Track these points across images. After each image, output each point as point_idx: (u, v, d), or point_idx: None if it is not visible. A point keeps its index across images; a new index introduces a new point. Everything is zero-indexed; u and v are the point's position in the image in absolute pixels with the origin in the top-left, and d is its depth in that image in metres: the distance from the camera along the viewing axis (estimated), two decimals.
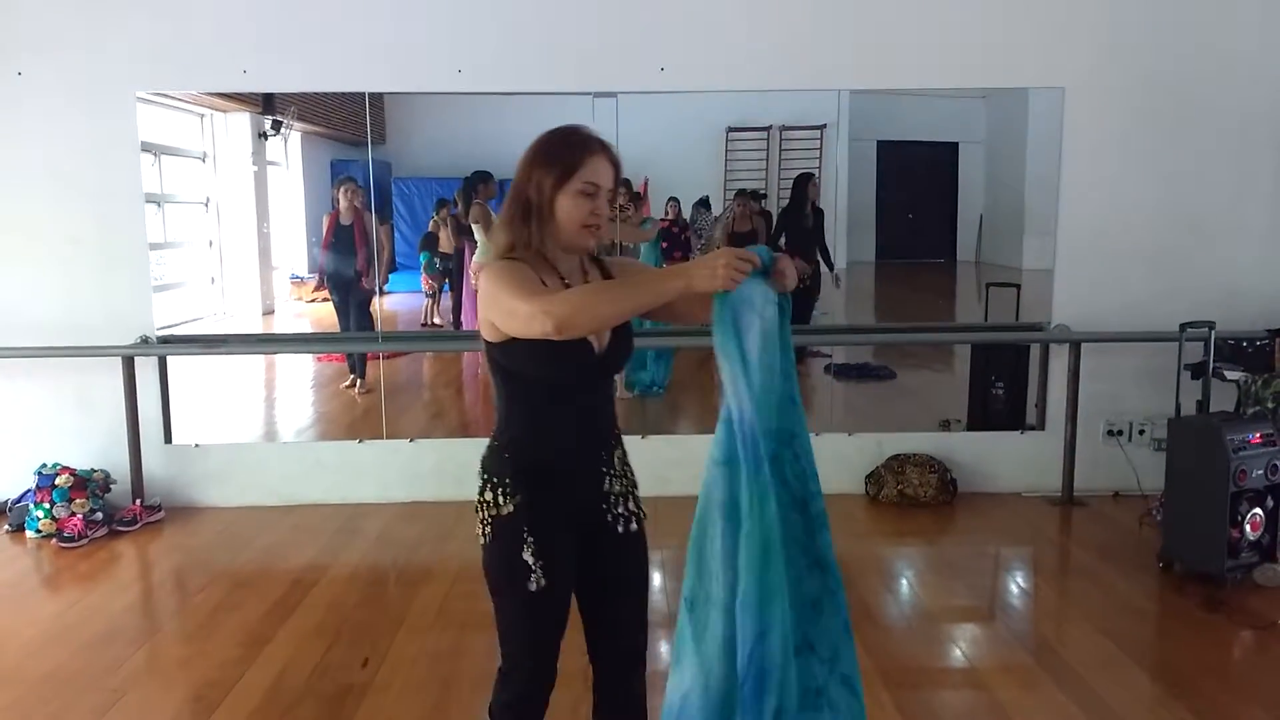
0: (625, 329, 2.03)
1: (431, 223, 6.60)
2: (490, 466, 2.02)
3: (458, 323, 6.51)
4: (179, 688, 3.23)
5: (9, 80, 4.77)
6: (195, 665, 3.35)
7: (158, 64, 4.83)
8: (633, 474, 2.14)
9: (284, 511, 4.97)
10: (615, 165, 1.98)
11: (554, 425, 2.01)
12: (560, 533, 2.00)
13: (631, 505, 2.10)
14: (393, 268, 6.26)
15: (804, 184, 6.11)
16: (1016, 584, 4.30)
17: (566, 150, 1.95)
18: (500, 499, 1.98)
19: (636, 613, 2.15)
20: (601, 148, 1.97)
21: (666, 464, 4.97)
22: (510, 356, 1.95)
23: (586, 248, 2.01)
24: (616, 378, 2.38)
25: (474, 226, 5.92)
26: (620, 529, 2.07)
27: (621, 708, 2.14)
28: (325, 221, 5.89)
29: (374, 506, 5.03)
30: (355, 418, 5.77)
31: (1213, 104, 4.96)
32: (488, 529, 2.00)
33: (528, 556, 1.96)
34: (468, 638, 3.53)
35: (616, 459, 2.10)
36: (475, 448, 2.10)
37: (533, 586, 1.96)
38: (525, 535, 1.96)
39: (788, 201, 6.22)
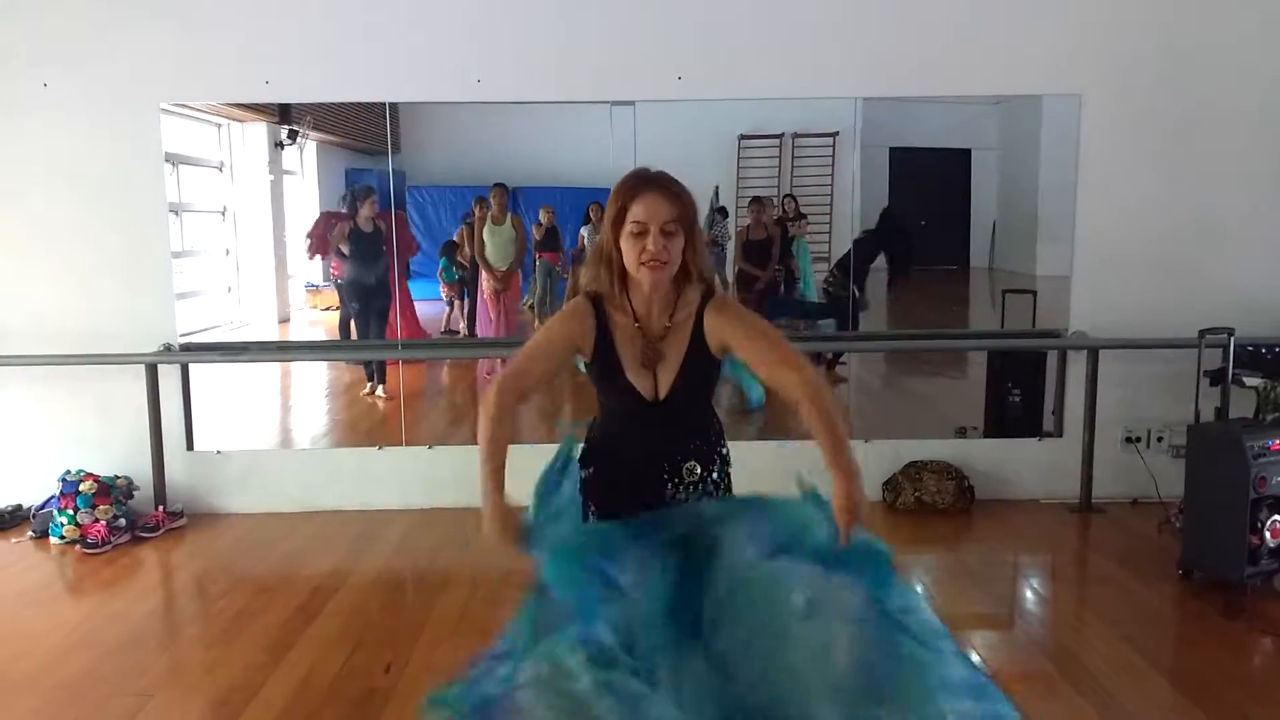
0: (687, 381, 2.15)
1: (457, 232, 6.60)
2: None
3: (472, 330, 6.54)
4: (203, 693, 3.26)
5: (35, 92, 4.82)
6: (219, 670, 3.38)
7: (181, 75, 4.89)
8: (717, 481, 2.26)
9: (304, 518, 5.00)
10: (670, 197, 2.05)
11: (618, 434, 2.24)
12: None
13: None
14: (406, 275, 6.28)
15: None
16: (1035, 591, 4.30)
17: (619, 194, 2.07)
18: (581, 467, 2.20)
19: None
20: (652, 185, 2.05)
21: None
22: (590, 376, 2.22)
23: (650, 284, 2.08)
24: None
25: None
26: None
27: None
28: (337, 226, 5.85)
29: (393, 513, 5.05)
30: (373, 424, 5.80)
31: (1229, 110, 4.96)
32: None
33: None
34: (490, 643, 3.54)
35: (686, 471, 2.21)
36: None
37: None
38: (588, 504, 2.19)
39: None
